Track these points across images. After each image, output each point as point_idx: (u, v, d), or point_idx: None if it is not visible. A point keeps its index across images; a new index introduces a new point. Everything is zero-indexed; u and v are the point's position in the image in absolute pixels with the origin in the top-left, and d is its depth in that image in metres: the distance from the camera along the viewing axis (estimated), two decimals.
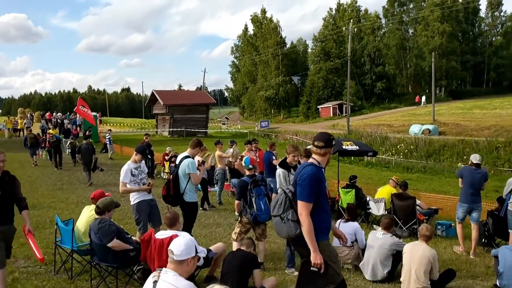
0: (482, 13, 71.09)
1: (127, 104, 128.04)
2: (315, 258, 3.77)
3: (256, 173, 6.99)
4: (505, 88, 66.74)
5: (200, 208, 10.88)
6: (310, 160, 4.15)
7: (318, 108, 61.55)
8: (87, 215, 6.38)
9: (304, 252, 3.97)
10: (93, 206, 6.17)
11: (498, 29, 70.88)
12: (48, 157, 21.84)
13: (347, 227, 6.89)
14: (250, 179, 6.51)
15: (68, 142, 22.54)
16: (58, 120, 40.94)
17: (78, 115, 37.29)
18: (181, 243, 3.09)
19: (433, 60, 41.81)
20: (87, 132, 27.05)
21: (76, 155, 18.22)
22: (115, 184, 15.13)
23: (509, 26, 69.94)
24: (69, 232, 6.00)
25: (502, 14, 70.62)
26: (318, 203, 3.97)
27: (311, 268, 3.78)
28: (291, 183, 5.99)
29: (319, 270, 3.78)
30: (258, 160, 11.50)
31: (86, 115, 29.03)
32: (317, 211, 3.93)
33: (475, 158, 8.31)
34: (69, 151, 21.97)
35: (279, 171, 6.63)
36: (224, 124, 60.95)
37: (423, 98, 54.84)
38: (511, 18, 71.42)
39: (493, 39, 70.28)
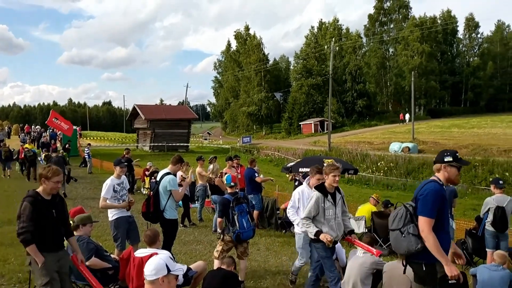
0: (460, 34, 73.21)
1: (108, 118, 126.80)
2: (451, 270, 3.69)
3: (238, 190, 6.97)
4: (482, 108, 68.45)
5: (181, 225, 10.77)
6: (432, 177, 4.04)
7: (300, 124, 61.97)
8: None
9: (420, 269, 3.92)
10: (71, 223, 6.04)
11: (475, 50, 72.93)
12: (20, 170, 21.53)
13: None
14: (232, 196, 6.49)
15: (43, 154, 22.29)
16: (36, 134, 40.21)
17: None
18: (151, 263, 3.07)
19: (412, 79, 42.62)
20: (66, 145, 26.86)
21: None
22: (94, 198, 14.91)
23: (485, 47, 72.05)
24: None
25: (479, 36, 72.89)
26: (438, 221, 3.85)
27: (450, 281, 3.72)
28: (327, 212, 5.43)
29: (458, 281, 3.72)
30: (239, 176, 11.49)
31: (60, 127, 28.62)
32: (436, 230, 3.82)
33: None
34: (44, 163, 21.64)
35: (314, 193, 5.54)
36: (206, 139, 60.79)
37: (407, 116, 55.86)
38: (488, 40, 73.58)
39: (471, 59, 72.15)
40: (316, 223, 5.46)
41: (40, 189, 4.50)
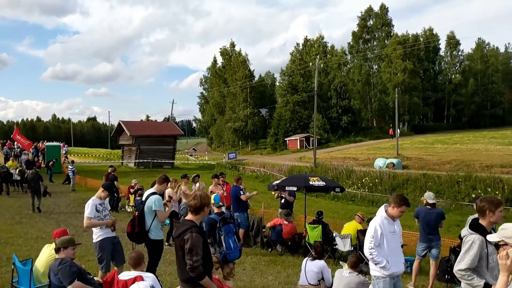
0: (441, 52, 74.65)
1: (93, 134, 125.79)
2: None
3: (224, 209, 6.93)
4: (464, 124, 69.68)
5: (166, 244, 10.68)
6: None
7: (286, 140, 62.18)
8: (47, 254, 6.14)
9: None
10: (53, 245, 5.95)
11: (456, 68, 74.29)
12: None
13: (314, 265, 6.88)
14: (219, 216, 6.46)
15: (18, 169, 22.31)
16: (19, 150, 39.57)
17: (40, 145, 36.45)
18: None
19: (396, 95, 43.24)
20: (50, 163, 26.60)
21: (24, 184, 19.23)
22: (77, 217, 14.68)
23: (466, 65, 73.55)
24: (27, 273, 5.75)
25: (460, 53, 74.31)
26: None
27: None
28: (491, 259, 4.20)
29: None
30: (225, 194, 11.47)
31: (21, 142, 28.96)
32: None
33: (429, 197, 8.49)
34: (18, 178, 21.71)
35: (474, 237, 4.19)
36: (191, 155, 60.58)
37: (398, 131, 56.48)
38: (469, 57, 75.16)
39: (453, 77, 73.50)
40: (476, 273, 4.15)
41: (194, 218, 4.42)
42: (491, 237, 3.66)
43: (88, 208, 6.75)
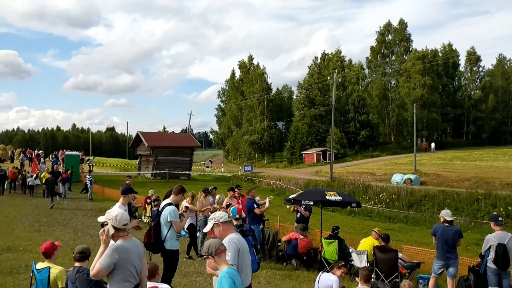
0: (461, 68, 73.90)
1: (111, 144, 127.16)
2: None
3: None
4: (484, 141, 68.47)
5: (186, 256, 10.73)
6: None
7: (302, 154, 61.99)
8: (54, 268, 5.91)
9: None
10: (46, 263, 5.85)
11: (477, 84, 73.32)
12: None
13: (327, 278, 6.80)
14: (238, 229, 6.47)
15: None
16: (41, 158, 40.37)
17: (60, 154, 37.04)
18: None
19: (415, 111, 42.81)
20: (68, 171, 27.15)
21: (44, 185, 23.05)
22: (94, 226, 14.82)
23: (487, 81, 72.58)
24: (44, 281, 5.80)
25: (480, 69, 73.33)
26: None
27: None
28: None
29: None
30: (241, 207, 11.45)
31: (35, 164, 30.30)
32: None
33: (447, 214, 8.36)
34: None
35: None
36: (208, 167, 60.81)
37: (433, 144, 56.12)
38: (489, 74, 74.22)
39: (472, 93, 72.54)
40: None
41: None
42: (100, 218, 4.41)
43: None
